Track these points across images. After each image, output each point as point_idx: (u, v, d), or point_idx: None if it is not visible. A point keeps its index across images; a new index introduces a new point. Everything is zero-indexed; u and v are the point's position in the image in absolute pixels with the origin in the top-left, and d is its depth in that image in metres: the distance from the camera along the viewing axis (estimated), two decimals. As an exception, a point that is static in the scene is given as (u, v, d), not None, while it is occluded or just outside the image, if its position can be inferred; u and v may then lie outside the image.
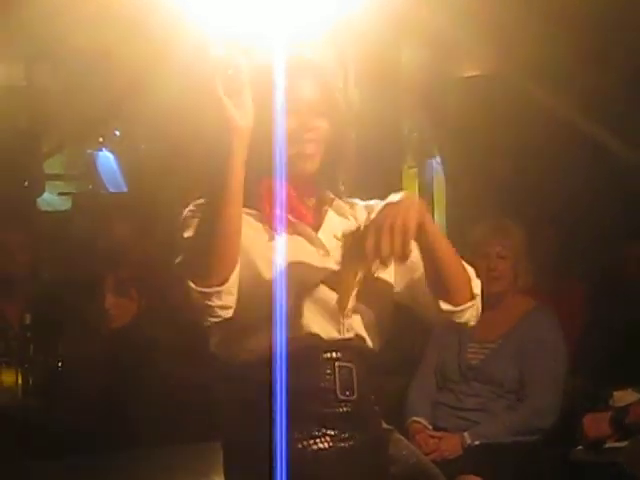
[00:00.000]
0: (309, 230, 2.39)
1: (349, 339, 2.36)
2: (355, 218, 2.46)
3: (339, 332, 2.34)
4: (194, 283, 2.18)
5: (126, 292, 4.55)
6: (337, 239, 2.41)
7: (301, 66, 2.41)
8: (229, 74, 2.15)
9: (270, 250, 2.29)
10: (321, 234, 2.40)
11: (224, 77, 2.14)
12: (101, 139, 7.24)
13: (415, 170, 7.51)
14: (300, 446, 2.28)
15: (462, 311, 2.39)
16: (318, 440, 2.30)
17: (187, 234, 2.28)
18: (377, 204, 2.43)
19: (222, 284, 2.20)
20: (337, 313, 2.33)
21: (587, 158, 5.05)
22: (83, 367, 4.37)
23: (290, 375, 2.23)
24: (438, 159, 7.26)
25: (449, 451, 3.93)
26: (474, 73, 5.71)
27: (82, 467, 3.91)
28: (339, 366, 2.33)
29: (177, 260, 2.25)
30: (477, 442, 3.93)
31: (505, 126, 5.29)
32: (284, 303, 2.22)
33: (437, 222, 8.08)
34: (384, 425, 2.46)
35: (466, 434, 3.96)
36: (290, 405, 2.24)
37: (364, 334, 2.39)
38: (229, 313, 2.23)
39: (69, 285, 4.76)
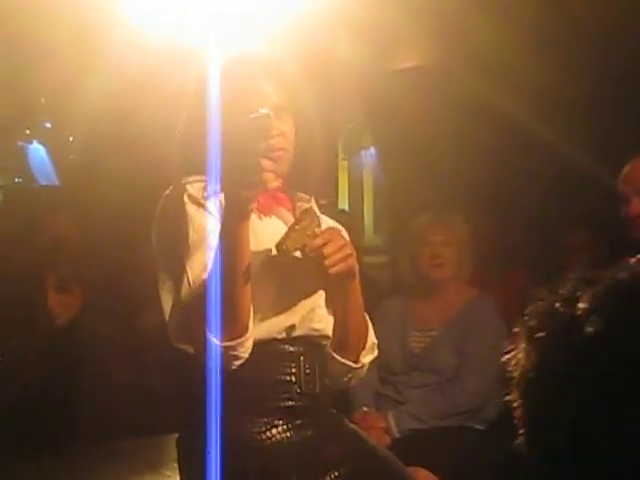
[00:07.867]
0: (288, 214, 2.39)
1: (313, 334, 2.36)
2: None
3: (304, 325, 2.35)
4: (217, 338, 2.13)
5: (68, 289, 4.48)
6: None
7: (258, 66, 2.37)
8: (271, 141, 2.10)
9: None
10: None
11: (266, 140, 2.07)
12: (28, 131, 7.12)
13: (346, 162, 7.57)
14: (263, 437, 2.29)
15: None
16: (281, 430, 2.30)
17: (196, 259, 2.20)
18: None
19: (245, 333, 2.16)
20: (304, 306, 2.33)
21: (526, 148, 5.10)
22: (24, 364, 4.30)
23: (254, 367, 2.23)
24: (369, 151, 7.31)
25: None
26: (410, 65, 5.73)
27: (21, 465, 3.87)
28: (303, 360, 2.34)
29: (188, 307, 2.17)
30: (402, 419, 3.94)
31: (443, 118, 5.31)
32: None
33: (366, 213, 8.14)
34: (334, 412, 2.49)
35: (390, 414, 3.97)
36: (253, 397, 2.25)
37: (327, 330, 2.39)
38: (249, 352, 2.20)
39: (5, 281, 4.68)
